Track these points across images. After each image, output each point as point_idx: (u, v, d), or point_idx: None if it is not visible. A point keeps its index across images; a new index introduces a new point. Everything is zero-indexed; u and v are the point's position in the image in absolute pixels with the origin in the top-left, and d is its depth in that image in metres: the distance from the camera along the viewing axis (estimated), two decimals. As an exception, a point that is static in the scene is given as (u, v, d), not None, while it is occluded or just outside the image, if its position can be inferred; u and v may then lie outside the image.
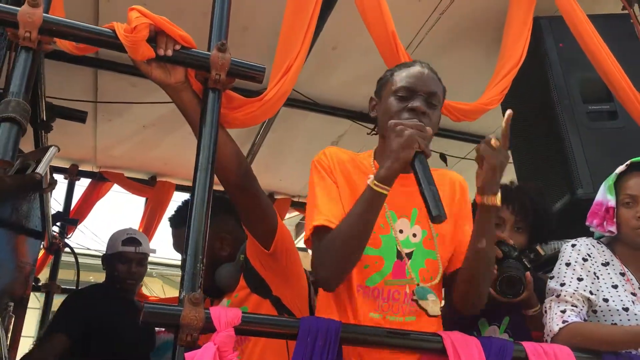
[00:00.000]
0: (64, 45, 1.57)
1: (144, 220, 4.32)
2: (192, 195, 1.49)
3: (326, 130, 3.72)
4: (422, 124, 1.47)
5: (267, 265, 1.82)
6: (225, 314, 1.33)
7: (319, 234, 1.53)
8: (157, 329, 2.90)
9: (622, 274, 1.83)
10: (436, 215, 1.37)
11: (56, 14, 1.56)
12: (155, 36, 1.52)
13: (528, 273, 1.82)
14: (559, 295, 1.78)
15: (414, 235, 1.63)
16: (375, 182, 1.46)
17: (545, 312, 1.79)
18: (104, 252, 2.99)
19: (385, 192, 1.46)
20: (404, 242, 1.61)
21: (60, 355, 2.67)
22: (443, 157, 3.82)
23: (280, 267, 1.81)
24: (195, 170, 1.52)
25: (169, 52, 1.53)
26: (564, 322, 1.72)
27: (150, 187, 4.43)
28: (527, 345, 1.55)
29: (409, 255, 1.60)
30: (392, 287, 1.57)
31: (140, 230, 4.20)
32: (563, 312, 1.74)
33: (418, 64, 1.70)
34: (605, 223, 1.86)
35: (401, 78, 1.66)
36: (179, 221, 2.10)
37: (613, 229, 1.84)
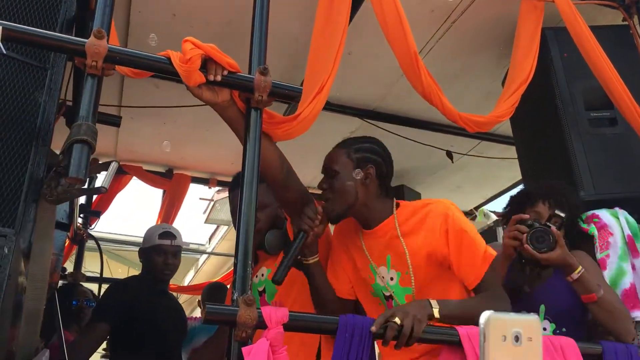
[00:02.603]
0: (122, 70, 1.74)
1: (162, 211, 4.51)
2: (240, 209, 1.66)
3: (336, 128, 3.88)
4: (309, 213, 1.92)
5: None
6: (275, 313, 1.52)
7: None
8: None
9: None
10: (273, 279, 1.85)
11: (111, 42, 1.74)
12: (206, 63, 1.69)
13: (554, 227, 1.90)
14: None
15: (391, 278, 1.94)
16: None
17: None
18: (142, 246, 3.15)
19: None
20: (384, 287, 1.96)
21: (102, 342, 2.87)
22: (449, 154, 3.99)
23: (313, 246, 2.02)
24: (242, 184, 1.69)
25: (218, 78, 1.70)
26: None
27: (168, 180, 4.60)
28: (536, 338, 1.75)
29: (391, 297, 1.94)
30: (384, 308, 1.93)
31: (159, 221, 4.41)
32: None
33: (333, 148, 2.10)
34: None
35: None
36: (234, 185, 2.33)
37: None
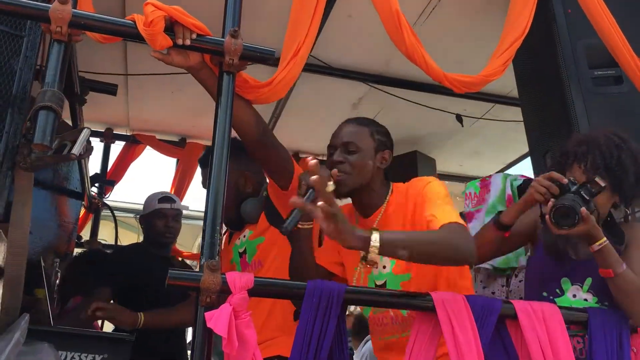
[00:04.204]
0: (93, 36, 1.72)
1: (176, 180, 4.55)
2: (210, 170, 1.65)
3: (344, 93, 3.83)
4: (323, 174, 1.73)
5: (284, 203, 2.03)
6: (240, 278, 1.50)
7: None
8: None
9: None
10: (282, 227, 1.63)
11: (84, 9, 1.72)
12: (172, 26, 1.66)
13: (584, 208, 1.76)
14: None
15: (384, 267, 1.90)
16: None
17: None
18: (142, 213, 3.19)
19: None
20: (377, 276, 1.90)
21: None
22: (459, 117, 3.89)
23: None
24: (213, 148, 1.67)
25: (187, 42, 1.67)
26: None
27: (181, 149, 4.63)
28: (517, 303, 1.71)
29: (383, 285, 1.89)
30: (379, 315, 1.93)
31: (173, 189, 4.45)
32: None
33: (344, 122, 2.00)
34: None
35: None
36: (206, 161, 2.33)
37: None
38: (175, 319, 2.76)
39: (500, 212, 2.08)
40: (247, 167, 2.28)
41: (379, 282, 1.92)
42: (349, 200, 2.02)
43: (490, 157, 4.96)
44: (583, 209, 1.75)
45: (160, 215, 3.11)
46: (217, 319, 1.44)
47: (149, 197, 3.23)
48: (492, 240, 2.06)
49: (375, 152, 1.96)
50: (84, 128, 1.70)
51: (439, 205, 1.77)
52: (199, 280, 1.47)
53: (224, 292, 1.49)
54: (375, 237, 1.51)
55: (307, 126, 4.33)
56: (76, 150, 1.65)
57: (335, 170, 1.88)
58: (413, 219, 1.85)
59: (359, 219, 2.01)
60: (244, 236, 2.28)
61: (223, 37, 1.72)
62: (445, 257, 1.67)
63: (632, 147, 1.94)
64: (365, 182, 1.93)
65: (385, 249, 1.53)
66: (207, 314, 1.45)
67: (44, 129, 1.54)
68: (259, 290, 1.52)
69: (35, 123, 1.53)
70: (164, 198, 3.18)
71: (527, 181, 2.78)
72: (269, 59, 1.75)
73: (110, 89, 2.76)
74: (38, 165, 1.68)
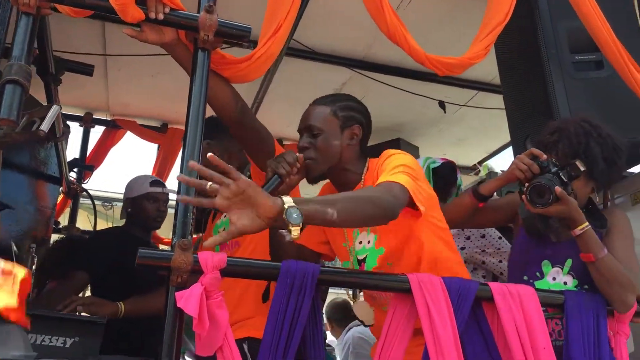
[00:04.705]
0: (62, 9, 1.67)
1: (157, 166, 4.48)
2: (184, 147, 1.62)
3: (327, 78, 3.78)
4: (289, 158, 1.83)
5: None
6: (212, 258, 1.47)
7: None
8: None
9: None
10: None
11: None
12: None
13: (558, 187, 1.77)
14: None
15: (368, 242, 1.89)
16: None
17: None
18: (129, 196, 3.13)
19: None
20: (360, 250, 1.89)
21: (81, 291, 2.88)
22: (442, 104, 3.87)
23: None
24: (186, 126, 1.63)
25: (160, 16, 1.63)
26: None
27: (162, 134, 4.56)
28: (493, 285, 1.69)
29: (364, 259, 1.88)
30: None
31: (154, 175, 4.39)
32: None
33: (310, 104, 1.99)
34: None
35: None
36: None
37: None
38: (156, 305, 2.68)
39: (481, 182, 2.14)
40: (231, 145, 2.26)
41: (360, 257, 1.91)
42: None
43: (474, 145, 4.95)
44: (558, 187, 1.77)
45: (152, 199, 3.05)
46: (188, 299, 1.41)
47: (137, 180, 3.16)
48: (466, 206, 2.09)
49: (342, 130, 1.92)
50: (53, 105, 1.66)
51: (389, 173, 1.71)
52: (170, 260, 1.44)
53: (196, 272, 1.46)
54: (288, 199, 1.37)
55: (290, 112, 4.26)
56: (45, 126, 1.61)
57: (301, 155, 1.85)
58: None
59: None
60: (224, 215, 2.25)
61: (198, 12, 1.69)
62: (365, 214, 1.51)
63: (602, 133, 1.95)
64: (335, 163, 1.91)
65: (303, 208, 1.37)
66: (178, 294, 1.42)
67: (10, 103, 1.49)
68: (232, 270, 1.49)
69: (1, 98, 1.49)
70: (155, 182, 3.14)
71: (446, 164, 2.83)
72: (245, 36, 1.72)
73: (86, 70, 2.70)
74: (5, 141, 1.63)
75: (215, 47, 1.73)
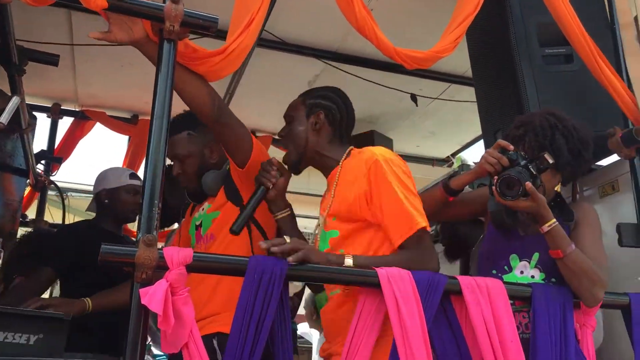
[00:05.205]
0: (21, -3, 1.62)
1: (127, 158, 4.41)
2: (149, 143, 1.58)
3: (300, 71, 3.75)
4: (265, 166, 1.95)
5: (242, 180, 2.08)
6: (177, 253, 1.45)
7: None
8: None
9: None
10: (231, 229, 1.87)
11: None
12: None
13: (529, 183, 1.77)
14: None
15: (325, 224, 1.94)
16: None
17: None
18: (105, 186, 3.02)
19: None
20: (321, 234, 1.95)
21: (47, 288, 2.80)
22: (413, 97, 3.87)
23: (252, 184, 2.01)
24: (151, 120, 1.60)
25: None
26: None
27: (133, 126, 4.48)
28: (462, 279, 1.70)
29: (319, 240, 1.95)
30: None
31: (125, 167, 4.31)
32: None
33: None
34: None
35: None
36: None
37: None
38: (124, 298, 2.63)
39: (453, 175, 2.15)
40: (212, 137, 2.22)
41: (319, 240, 1.96)
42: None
43: (446, 138, 4.97)
44: (528, 183, 1.77)
45: (132, 191, 2.98)
46: (152, 296, 1.38)
47: (113, 172, 3.07)
48: (436, 199, 2.09)
49: (307, 117, 2.01)
50: (13, 96, 1.61)
51: (400, 213, 1.77)
52: (134, 256, 1.41)
53: (161, 268, 1.43)
54: (348, 262, 1.65)
55: (262, 104, 4.24)
56: (4, 118, 1.56)
57: (274, 159, 1.97)
58: (369, 197, 1.82)
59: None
60: (203, 209, 2.24)
61: (164, 2, 1.65)
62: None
63: (568, 125, 1.96)
64: (303, 148, 1.99)
65: None
66: (142, 291, 1.40)
67: (-34, 95, 1.45)
68: (198, 265, 1.47)
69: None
70: (133, 174, 3.07)
71: None
72: (212, 26, 1.68)
73: (51, 60, 2.63)
74: (-37, 134, 1.58)
75: (182, 38, 1.69)
